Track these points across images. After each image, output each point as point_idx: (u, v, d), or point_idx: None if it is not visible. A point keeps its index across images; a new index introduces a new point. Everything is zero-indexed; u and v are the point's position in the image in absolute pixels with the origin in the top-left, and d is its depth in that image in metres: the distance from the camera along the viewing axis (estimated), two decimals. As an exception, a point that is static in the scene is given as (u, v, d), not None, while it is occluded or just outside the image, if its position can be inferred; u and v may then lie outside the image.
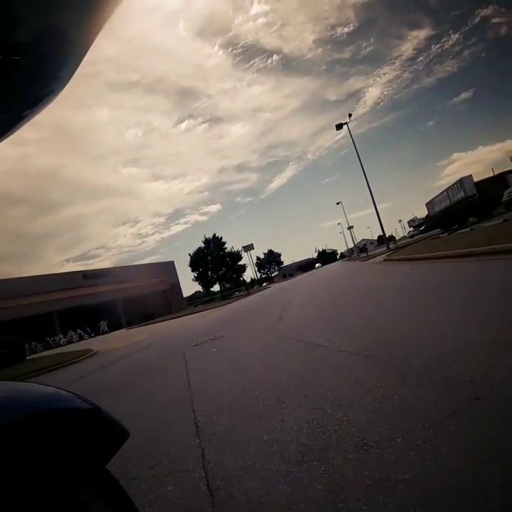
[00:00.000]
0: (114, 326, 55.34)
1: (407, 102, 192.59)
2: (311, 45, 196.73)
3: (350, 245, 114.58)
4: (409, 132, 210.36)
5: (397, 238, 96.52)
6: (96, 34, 0.49)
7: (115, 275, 65.84)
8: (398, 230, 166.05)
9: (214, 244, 49.47)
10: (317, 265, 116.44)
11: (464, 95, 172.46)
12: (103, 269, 69.29)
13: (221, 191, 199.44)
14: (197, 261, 49.57)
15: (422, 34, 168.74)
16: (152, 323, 37.87)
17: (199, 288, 65.64)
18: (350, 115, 37.28)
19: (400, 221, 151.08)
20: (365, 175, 34.64)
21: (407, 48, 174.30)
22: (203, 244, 50.16)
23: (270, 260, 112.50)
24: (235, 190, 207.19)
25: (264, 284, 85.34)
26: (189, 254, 50.32)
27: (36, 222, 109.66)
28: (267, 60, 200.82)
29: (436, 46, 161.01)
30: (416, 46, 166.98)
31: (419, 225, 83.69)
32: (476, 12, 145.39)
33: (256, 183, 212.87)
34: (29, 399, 0.68)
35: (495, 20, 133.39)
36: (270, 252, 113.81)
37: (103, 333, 50.91)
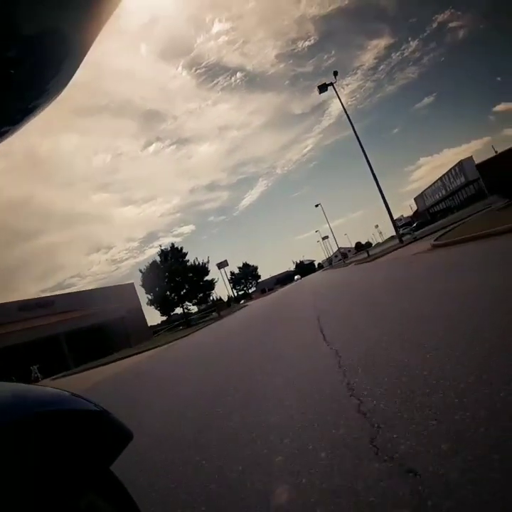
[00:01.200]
0: (54, 369, 43.57)
1: (371, 111, 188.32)
2: (273, 60, 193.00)
3: (329, 254, 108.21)
4: (375, 141, 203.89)
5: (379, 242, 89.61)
6: (96, 35, 0.50)
7: (61, 304, 54.20)
8: (375, 235, 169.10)
9: (173, 257, 39.48)
10: (296, 277, 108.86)
11: (426, 100, 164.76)
12: (44, 297, 57.35)
13: (193, 211, 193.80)
14: (151, 279, 38.06)
15: (381, 43, 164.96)
16: (97, 366, 26.68)
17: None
18: (336, 73, 28.46)
19: (377, 226, 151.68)
20: (365, 154, 25.62)
21: (368, 58, 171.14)
22: (158, 258, 40.08)
23: (246, 274, 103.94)
24: (207, 210, 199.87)
25: (242, 301, 75.35)
26: (140, 271, 39.11)
27: (8, 252, 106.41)
28: (230, 78, 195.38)
29: (397, 54, 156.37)
30: (376, 55, 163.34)
31: (408, 223, 77.38)
32: (434, 18, 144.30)
33: (227, 201, 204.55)
34: (35, 401, 0.68)
35: (452, 24, 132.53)
36: (245, 265, 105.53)
37: (35, 381, 39.52)
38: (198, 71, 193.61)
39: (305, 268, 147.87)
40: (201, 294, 39.87)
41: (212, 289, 40.43)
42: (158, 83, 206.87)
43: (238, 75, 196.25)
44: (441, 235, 14.78)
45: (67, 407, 0.71)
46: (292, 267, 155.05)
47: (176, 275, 37.18)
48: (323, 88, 28.27)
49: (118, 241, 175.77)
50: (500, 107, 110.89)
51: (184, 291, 38.80)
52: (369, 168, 26.53)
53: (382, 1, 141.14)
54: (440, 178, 59.35)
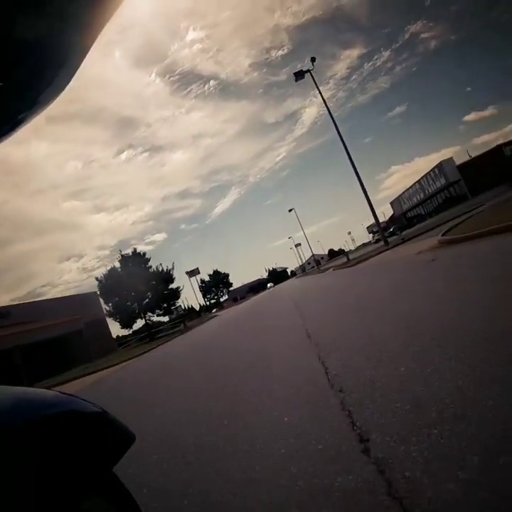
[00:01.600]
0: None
1: (343, 120, 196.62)
2: (247, 69, 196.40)
3: (302, 261, 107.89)
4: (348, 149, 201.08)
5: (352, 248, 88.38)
6: (96, 36, 0.50)
7: (18, 315, 49.14)
8: (348, 242, 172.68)
9: (134, 263, 34.80)
10: (269, 285, 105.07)
11: (398, 109, 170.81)
12: None
13: (165, 219, 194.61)
14: (110, 288, 33.60)
15: (354, 53, 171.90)
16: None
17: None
18: (313, 59, 25.87)
19: (350, 233, 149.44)
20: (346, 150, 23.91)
21: (340, 68, 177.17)
22: (118, 265, 34.96)
23: (217, 282, 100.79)
24: (179, 218, 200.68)
25: (214, 310, 71.73)
26: (97, 279, 34.65)
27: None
28: (204, 86, 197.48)
29: (369, 64, 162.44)
30: (349, 65, 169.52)
31: (384, 228, 75.58)
32: (406, 28, 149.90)
33: (200, 209, 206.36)
34: (37, 404, 0.69)
35: (424, 35, 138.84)
36: (216, 273, 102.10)
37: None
38: (171, 78, 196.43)
39: (278, 276, 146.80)
40: (165, 304, 36.16)
41: (178, 298, 36.85)
42: (132, 90, 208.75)
43: (212, 83, 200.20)
44: (447, 230, 12.01)
45: (70, 410, 0.72)
46: (265, 275, 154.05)
47: (137, 283, 33.39)
48: (299, 75, 25.63)
49: (89, 249, 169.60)
50: (470, 117, 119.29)
51: (146, 300, 35.04)
52: (352, 168, 24.22)
53: (356, 11, 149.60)
54: (418, 181, 57.82)
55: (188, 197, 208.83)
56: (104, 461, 0.71)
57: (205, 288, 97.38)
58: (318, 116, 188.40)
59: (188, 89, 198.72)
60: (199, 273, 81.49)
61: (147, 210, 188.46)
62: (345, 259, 32.51)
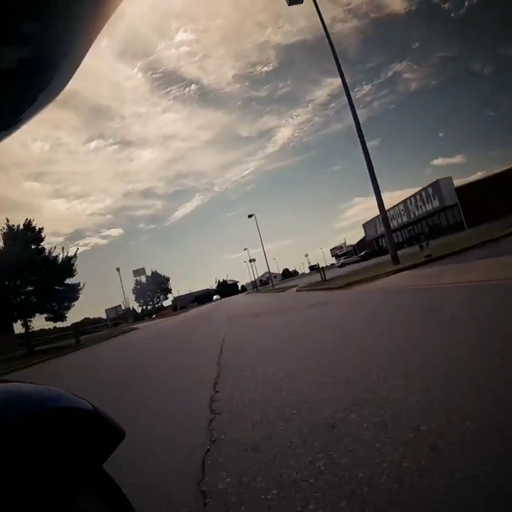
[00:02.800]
0: None
1: (315, 145, 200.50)
2: (229, 79, 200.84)
3: (255, 277, 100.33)
4: (314, 174, 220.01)
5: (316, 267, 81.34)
6: (97, 34, 0.51)
7: None
8: (304, 264, 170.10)
9: (21, 241, 23.45)
10: (215, 297, 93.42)
11: (369, 143, 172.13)
12: None
13: (125, 216, 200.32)
14: None
15: (336, 82, 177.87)
16: None
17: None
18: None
19: (307, 255, 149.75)
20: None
21: (321, 94, 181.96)
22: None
23: (155, 286, 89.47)
24: (138, 216, 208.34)
25: (146, 319, 60.60)
26: None
27: None
28: (184, 89, 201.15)
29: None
30: (330, 93, 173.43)
31: (349, 253, 68.98)
32: (390, 66, 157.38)
33: (161, 211, 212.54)
34: (24, 399, 0.69)
35: (407, 75, 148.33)
36: (155, 275, 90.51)
37: None
38: (153, 76, 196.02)
39: (228, 288, 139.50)
40: (56, 304, 25.46)
41: (76, 299, 26.33)
42: (111, 80, 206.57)
43: (193, 87, 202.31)
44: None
45: (59, 405, 0.71)
46: (214, 286, 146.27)
47: (21, 268, 22.69)
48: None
49: (43, 234, 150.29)
50: (438, 162, 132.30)
51: (29, 296, 24.32)
52: (365, 159, 15.92)
53: (344, 41, 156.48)
54: (404, 201, 50.54)
55: (151, 196, 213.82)
56: (93, 457, 0.71)
57: (140, 291, 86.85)
58: (292, 137, 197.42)
59: (168, 89, 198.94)
60: (145, 273, 76.13)
61: (107, 204, 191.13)
62: (318, 277, 23.58)
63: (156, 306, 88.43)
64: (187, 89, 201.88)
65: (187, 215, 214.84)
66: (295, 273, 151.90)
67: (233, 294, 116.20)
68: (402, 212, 50.01)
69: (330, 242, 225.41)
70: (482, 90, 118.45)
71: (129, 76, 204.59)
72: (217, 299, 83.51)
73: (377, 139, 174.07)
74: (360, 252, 66.97)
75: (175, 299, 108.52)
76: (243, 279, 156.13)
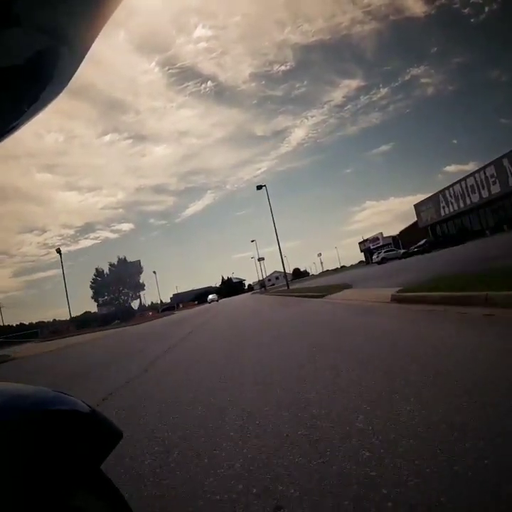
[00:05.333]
0: None
1: (329, 147, 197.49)
2: (246, 77, 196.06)
3: (263, 276, 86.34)
4: (327, 176, 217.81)
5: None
6: (97, 33, 0.51)
7: None
8: (316, 264, 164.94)
9: None
10: (210, 297, 70.68)
11: (383, 147, 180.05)
12: None
13: (136, 210, 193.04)
14: None
15: (353, 84, 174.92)
16: None
17: None
18: None
19: (320, 254, 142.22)
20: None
21: (337, 95, 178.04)
22: None
23: (121, 277, 67.80)
24: (149, 211, 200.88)
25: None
26: None
27: None
28: (200, 85, 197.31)
29: (365, 97, 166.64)
30: (346, 94, 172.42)
31: (387, 245, 53.95)
32: (408, 70, 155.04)
33: (172, 207, 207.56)
34: (20, 400, 0.69)
35: (424, 80, 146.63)
36: (122, 262, 69.51)
37: None
38: (170, 71, 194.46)
39: (232, 287, 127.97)
40: None
41: None
42: (128, 74, 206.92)
43: (209, 83, 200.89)
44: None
45: (57, 406, 0.72)
46: (218, 283, 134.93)
47: None
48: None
49: (54, 226, 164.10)
50: (451, 168, 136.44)
51: None
52: None
53: (362, 43, 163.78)
54: (473, 174, 35.39)
55: (163, 192, 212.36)
56: (91, 458, 0.71)
57: (100, 284, 66.90)
58: (307, 138, 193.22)
59: (184, 85, 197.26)
60: (142, 269, 67.13)
61: (119, 198, 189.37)
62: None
63: (127, 305, 69.13)
64: (203, 85, 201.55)
65: (198, 212, 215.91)
66: (306, 273, 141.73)
67: (238, 294, 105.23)
68: (472, 189, 34.66)
69: (339, 244, 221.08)
70: (498, 98, 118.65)
71: (145, 70, 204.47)
72: (212, 300, 65.60)
73: (390, 143, 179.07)
74: (402, 245, 51.53)
75: (173, 297, 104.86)
76: (251, 278, 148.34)
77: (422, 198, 46.07)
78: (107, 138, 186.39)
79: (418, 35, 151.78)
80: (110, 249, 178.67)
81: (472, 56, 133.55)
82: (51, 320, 73.58)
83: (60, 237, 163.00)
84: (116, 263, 67.49)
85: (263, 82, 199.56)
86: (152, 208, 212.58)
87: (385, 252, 46.39)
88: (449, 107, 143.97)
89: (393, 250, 46.81)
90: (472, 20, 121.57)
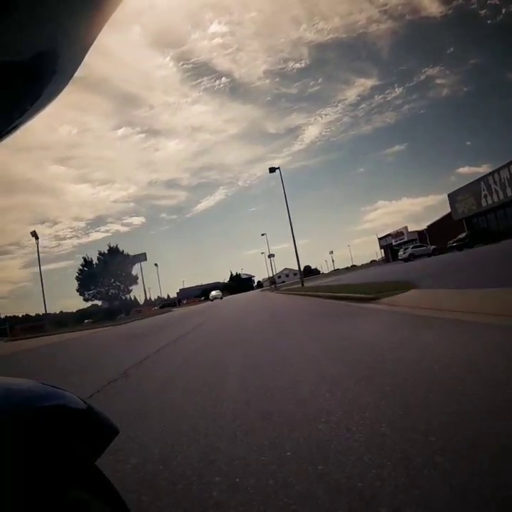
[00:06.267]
0: None
1: (342, 146, 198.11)
2: (260, 74, 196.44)
3: (273, 272, 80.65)
4: (339, 175, 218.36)
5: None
6: (97, 33, 0.51)
7: None
8: (328, 261, 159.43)
9: None
10: (213, 294, 64.16)
11: (396, 147, 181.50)
12: None
13: (147, 204, 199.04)
14: None
15: (368, 83, 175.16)
16: None
17: None
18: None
19: (332, 252, 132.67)
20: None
21: (351, 94, 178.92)
22: None
23: (109, 267, 59.94)
24: (161, 206, 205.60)
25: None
26: None
27: None
28: (215, 81, 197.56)
29: (380, 96, 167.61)
30: (360, 93, 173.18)
31: (412, 240, 48.54)
32: (423, 70, 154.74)
33: (184, 202, 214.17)
34: (15, 395, 0.69)
35: (439, 80, 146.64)
36: (112, 251, 62.28)
37: None
38: (184, 66, 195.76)
39: (241, 283, 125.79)
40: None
41: None
42: (142, 69, 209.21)
43: (223, 79, 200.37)
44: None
45: (52, 401, 0.72)
46: (227, 279, 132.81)
47: None
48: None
49: (65, 218, 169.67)
50: (464, 170, 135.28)
51: None
52: None
53: (378, 42, 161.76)
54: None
55: (175, 187, 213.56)
56: (86, 454, 0.71)
57: (87, 276, 59.85)
58: (320, 136, 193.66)
59: (199, 80, 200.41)
60: (146, 259, 60.78)
61: (131, 192, 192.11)
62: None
63: (121, 298, 62.78)
64: (217, 81, 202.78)
65: (209, 207, 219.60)
66: (316, 271, 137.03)
67: (246, 290, 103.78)
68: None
69: (350, 244, 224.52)
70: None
71: (160, 65, 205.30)
72: (215, 297, 59.69)
73: (404, 143, 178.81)
74: (430, 241, 46.13)
75: (180, 291, 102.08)
76: (260, 275, 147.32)
77: (434, 200, 40.86)
78: (121, 132, 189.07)
79: (434, 35, 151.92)
80: (121, 243, 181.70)
81: (488, 57, 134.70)
82: (58, 312, 71.49)
83: (71, 230, 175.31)
84: (106, 252, 60.52)
85: (277, 80, 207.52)
86: (164, 203, 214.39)
87: (412, 247, 41.18)
88: (464, 108, 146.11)
89: (422, 246, 41.57)
90: (489, 21, 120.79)
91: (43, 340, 21.13)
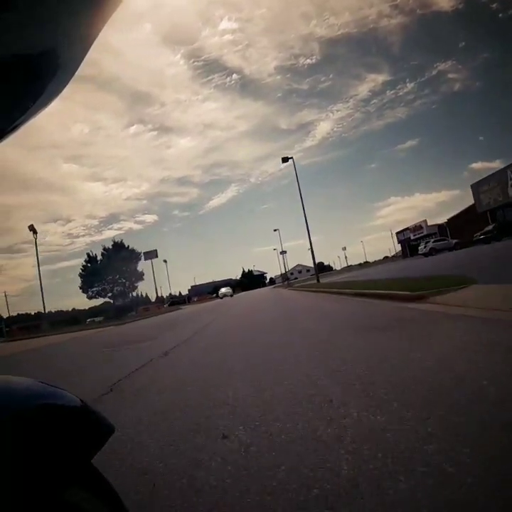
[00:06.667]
0: None
1: (354, 142, 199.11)
2: (271, 70, 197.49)
3: (286, 269, 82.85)
4: (351, 171, 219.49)
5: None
6: (97, 33, 0.51)
7: None
8: (341, 257, 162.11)
9: None
10: (223, 291, 59.31)
11: (409, 143, 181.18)
12: None
13: (159, 202, 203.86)
14: None
15: (379, 78, 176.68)
16: None
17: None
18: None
19: (345, 248, 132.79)
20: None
21: (363, 89, 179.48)
22: None
23: (115, 262, 55.94)
24: (173, 203, 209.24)
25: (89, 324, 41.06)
26: None
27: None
28: (226, 78, 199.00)
29: (391, 92, 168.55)
30: (372, 88, 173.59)
31: (431, 234, 46.42)
32: (435, 65, 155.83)
33: (196, 199, 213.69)
34: (10, 393, 0.69)
35: (451, 75, 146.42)
36: (117, 246, 58.88)
37: None
38: (195, 63, 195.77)
39: (253, 280, 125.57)
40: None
41: None
42: (154, 66, 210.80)
43: (234, 76, 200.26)
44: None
45: (49, 400, 0.72)
46: (239, 276, 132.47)
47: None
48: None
49: (78, 216, 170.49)
50: (477, 165, 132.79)
51: None
52: None
53: (389, 37, 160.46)
54: None
55: (187, 184, 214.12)
56: (83, 453, 0.71)
57: (91, 272, 56.59)
58: (332, 132, 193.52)
59: (210, 77, 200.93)
60: (157, 256, 60.24)
61: (144, 189, 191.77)
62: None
63: (130, 296, 60.16)
64: (228, 78, 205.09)
65: (221, 204, 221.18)
66: (329, 268, 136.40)
67: (258, 287, 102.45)
68: None
69: (362, 240, 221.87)
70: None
71: (171, 62, 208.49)
72: (225, 295, 55.57)
73: (416, 138, 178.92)
74: (450, 234, 44.01)
75: (192, 288, 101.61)
76: (272, 271, 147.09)
77: (447, 196, 39.23)
78: (132, 129, 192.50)
79: (445, 29, 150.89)
80: (134, 240, 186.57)
81: (500, 51, 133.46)
82: (70, 309, 71.65)
83: (84, 228, 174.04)
84: (110, 247, 57.78)
85: (288, 76, 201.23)
86: (176, 200, 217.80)
87: (433, 241, 39.29)
88: (476, 103, 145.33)
89: (444, 240, 39.63)
90: (500, 15, 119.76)
91: (37, 342, 19.67)
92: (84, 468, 0.72)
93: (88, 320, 52.43)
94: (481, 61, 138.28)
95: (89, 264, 56.66)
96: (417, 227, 55.86)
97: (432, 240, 40.22)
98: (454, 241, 38.01)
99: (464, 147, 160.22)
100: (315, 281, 32.28)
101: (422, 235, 52.60)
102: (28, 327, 39.17)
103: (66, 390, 0.76)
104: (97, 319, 50.12)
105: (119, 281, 57.11)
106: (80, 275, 56.62)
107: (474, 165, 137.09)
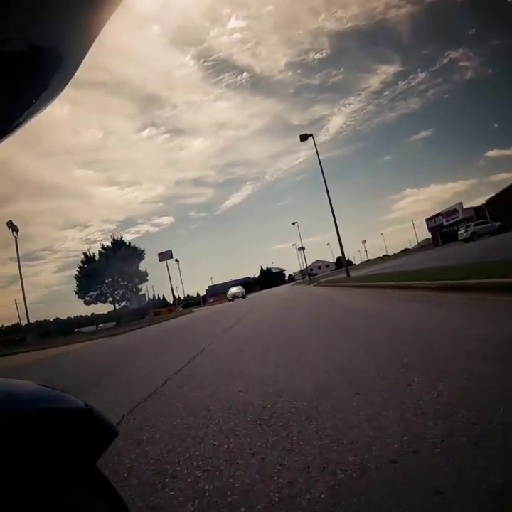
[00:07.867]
0: None
1: (367, 135, 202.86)
2: (282, 67, 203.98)
3: (304, 265, 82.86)
4: (366, 164, 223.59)
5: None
6: (97, 33, 0.52)
7: None
8: (361, 251, 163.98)
9: None
10: (233, 291, 47.85)
11: (423, 133, 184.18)
12: None
13: (175, 204, 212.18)
14: None
15: (390, 69, 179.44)
16: None
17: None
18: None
19: (365, 242, 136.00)
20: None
21: (374, 81, 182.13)
22: None
23: (119, 267, 47.64)
24: (189, 204, 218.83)
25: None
26: None
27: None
28: (236, 77, 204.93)
29: (403, 83, 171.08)
30: (383, 80, 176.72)
31: (468, 218, 41.87)
32: (446, 53, 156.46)
33: (211, 199, 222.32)
34: (16, 397, 0.69)
35: (463, 63, 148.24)
36: (117, 243, 51.20)
37: None
38: (205, 63, 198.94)
39: (272, 277, 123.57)
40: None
41: None
42: (164, 68, 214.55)
43: (244, 74, 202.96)
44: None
45: (53, 404, 0.73)
46: (257, 274, 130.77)
47: None
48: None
49: (95, 221, 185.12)
50: (492, 153, 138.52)
51: None
52: None
53: (398, 28, 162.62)
54: None
55: (202, 185, 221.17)
56: (86, 455, 0.72)
57: (88, 274, 48.12)
58: (345, 126, 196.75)
59: (220, 77, 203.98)
60: (172, 257, 59.22)
61: (159, 192, 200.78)
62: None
63: (122, 303, 51.61)
64: (239, 77, 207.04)
65: (238, 203, 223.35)
66: (349, 263, 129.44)
67: (277, 285, 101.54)
68: None
69: (380, 233, 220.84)
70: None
71: (181, 64, 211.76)
72: (235, 296, 45.77)
73: (430, 128, 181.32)
74: (489, 217, 39.32)
75: (209, 289, 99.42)
76: (291, 268, 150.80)
77: (464, 186, 36.96)
78: (145, 133, 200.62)
79: (455, 17, 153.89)
80: (151, 243, 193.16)
81: (511, 37, 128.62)
82: (89, 314, 69.80)
83: (101, 232, 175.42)
84: (109, 246, 50.38)
85: (299, 71, 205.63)
86: (192, 201, 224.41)
87: (475, 225, 34.87)
88: (489, 91, 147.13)
89: (486, 222, 35.29)
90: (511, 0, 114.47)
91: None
92: (88, 471, 0.72)
93: (83, 328, 49.10)
94: (492, 48, 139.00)
95: (85, 265, 48.39)
96: (451, 212, 51.07)
97: (473, 224, 35.83)
98: (498, 224, 33.68)
99: (479, 135, 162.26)
100: (339, 276, 29.52)
101: (457, 219, 48.09)
102: (9, 341, 35.85)
103: (72, 394, 0.76)
104: (101, 326, 47.27)
105: (122, 283, 48.99)
106: (76, 277, 47.99)
107: (489, 153, 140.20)
